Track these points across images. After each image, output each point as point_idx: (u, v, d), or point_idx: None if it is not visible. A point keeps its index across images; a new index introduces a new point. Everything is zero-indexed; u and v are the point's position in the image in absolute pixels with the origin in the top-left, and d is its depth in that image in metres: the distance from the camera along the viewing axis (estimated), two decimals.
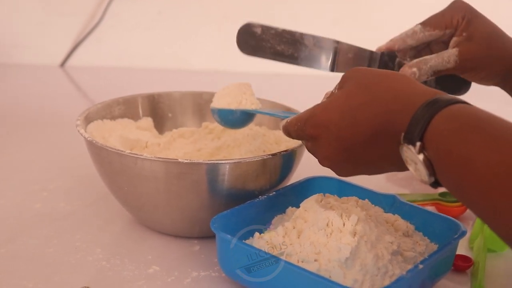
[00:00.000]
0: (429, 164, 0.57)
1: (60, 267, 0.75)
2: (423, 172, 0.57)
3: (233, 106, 0.83)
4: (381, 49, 0.88)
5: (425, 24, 0.84)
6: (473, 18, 0.82)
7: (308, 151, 0.70)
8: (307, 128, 0.66)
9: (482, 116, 0.55)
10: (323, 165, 0.68)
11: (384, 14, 1.68)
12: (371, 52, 0.88)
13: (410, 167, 0.59)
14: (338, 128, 0.63)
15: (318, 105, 0.67)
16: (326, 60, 0.86)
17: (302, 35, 0.86)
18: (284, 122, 0.72)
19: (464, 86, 0.91)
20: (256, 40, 0.85)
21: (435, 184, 0.58)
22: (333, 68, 0.87)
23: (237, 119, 0.84)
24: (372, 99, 0.62)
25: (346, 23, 1.68)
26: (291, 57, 0.87)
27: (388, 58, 0.88)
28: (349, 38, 1.71)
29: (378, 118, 0.61)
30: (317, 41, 0.86)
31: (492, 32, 0.82)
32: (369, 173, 0.66)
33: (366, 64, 0.88)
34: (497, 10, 1.51)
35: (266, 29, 0.85)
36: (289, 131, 0.71)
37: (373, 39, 1.67)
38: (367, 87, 0.63)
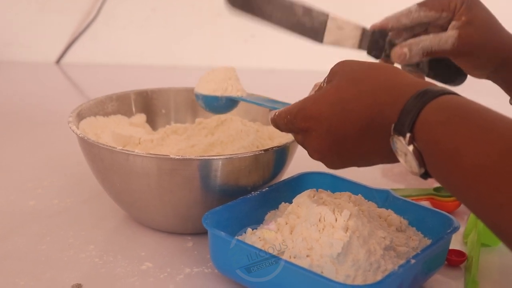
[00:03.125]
0: (419, 155, 0.57)
1: (52, 264, 0.75)
2: (413, 163, 0.57)
3: (218, 92, 0.82)
4: (375, 27, 0.87)
5: (421, 4, 0.84)
6: (472, 4, 0.82)
7: (298, 143, 0.70)
8: (297, 121, 0.66)
9: (471, 107, 0.55)
10: (313, 158, 0.67)
11: (379, 8, 1.67)
12: (362, 28, 0.87)
13: (400, 159, 0.59)
14: (328, 121, 0.63)
15: (307, 98, 0.67)
16: (315, 31, 0.85)
17: (292, 4, 0.84)
18: (272, 114, 0.71)
19: (459, 77, 0.90)
20: None
21: (425, 175, 0.58)
22: (322, 40, 0.86)
23: (222, 105, 0.83)
24: (362, 91, 0.62)
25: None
26: (279, 22, 0.85)
27: (379, 35, 0.87)
28: None
29: (369, 110, 0.61)
30: (307, 10, 0.85)
31: (490, 20, 0.82)
32: (359, 165, 0.66)
33: (357, 39, 0.88)
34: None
35: None
36: (278, 124, 0.70)
37: None
38: (357, 80, 0.63)
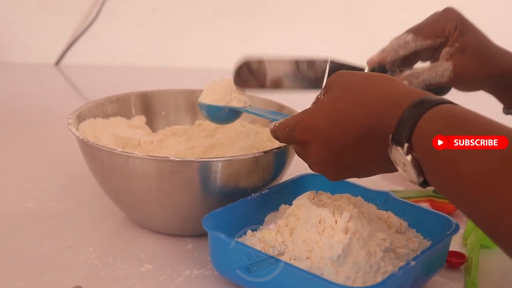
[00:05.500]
0: (417, 164, 0.57)
1: (52, 266, 0.75)
2: (411, 172, 0.58)
3: (221, 103, 0.82)
4: (373, 61, 0.86)
5: (416, 33, 0.83)
6: (465, 28, 0.82)
7: (298, 156, 0.70)
8: (295, 134, 0.67)
9: (468, 116, 0.56)
10: (313, 170, 0.68)
11: (380, 9, 1.68)
12: (362, 68, 0.87)
13: (399, 168, 0.60)
14: (326, 133, 0.63)
15: (305, 110, 0.67)
16: (319, 81, 0.85)
17: (297, 61, 0.85)
18: (272, 125, 0.72)
19: (444, 91, 0.91)
20: (254, 75, 0.83)
21: (424, 184, 0.59)
22: (322, 86, 0.86)
23: (224, 115, 0.84)
24: (359, 102, 0.62)
25: (342, 17, 1.68)
26: (288, 88, 0.85)
27: (378, 72, 0.87)
28: (345, 32, 1.72)
29: (366, 120, 0.61)
30: (310, 63, 0.85)
31: (482, 43, 0.82)
32: (359, 176, 0.67)
33: None
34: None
35: (262, 61, 0.83)
36: (278, 136, 0.71)
37: (369, 34, 1.68)
38: (353, 91, 0.63)
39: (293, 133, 0.67)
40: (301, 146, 0.68)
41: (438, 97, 0.59)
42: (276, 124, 0.71)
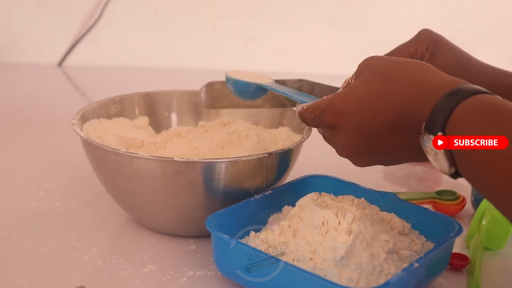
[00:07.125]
0: (449, 154, 0.56)
1: (55, 266, 0.75)
2: (443, 162, 0.57)
3: (249, 80, 0.85)
4: (349, 82, 0.87)
5: (391, 55, 0.83)
6: (436, 50, 0.81)
7: (325, 140, 0.69)
8: (325, 117, 0.65)
9: (505, 107, 0.54)
10: (341, 155, 0.67)
11: (379, 12, 1.68)
12: (334, 87, 0.88)
13: (429, 157, 0.58)
14: (357, 118, 0.62)
15: (336, 93, 0.66)
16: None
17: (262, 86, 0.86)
18: (300, 108, 0.71)
19: None
20: (219, 95, 0.89)
21: (455, 175, 0.58)
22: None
23: (251, 92, 0.85)
24: (393, 89, 0.61)
25: (342, 20, 1.68)
26: (253, 105, 0.90)
27: None
28: (345, 35, 1.72)
29: (399, 108, 0.60)
30: (281, 83, 0.87)
31: (455, 62, 0.81)
32: (386, 163, 0.66)
33: None
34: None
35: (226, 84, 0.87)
36: (305, 118, 0.69)
37: (369, 36, 1.68)
38: (387, 77, 0.62)
39: (323, 116, 0.66)
40: (330, 130, 0.66)
41: (474, 86, 0.57)
42: (305, 107, 0.69)
